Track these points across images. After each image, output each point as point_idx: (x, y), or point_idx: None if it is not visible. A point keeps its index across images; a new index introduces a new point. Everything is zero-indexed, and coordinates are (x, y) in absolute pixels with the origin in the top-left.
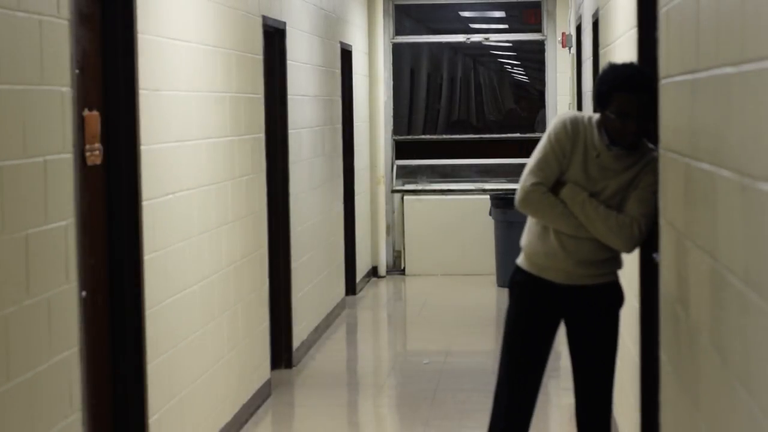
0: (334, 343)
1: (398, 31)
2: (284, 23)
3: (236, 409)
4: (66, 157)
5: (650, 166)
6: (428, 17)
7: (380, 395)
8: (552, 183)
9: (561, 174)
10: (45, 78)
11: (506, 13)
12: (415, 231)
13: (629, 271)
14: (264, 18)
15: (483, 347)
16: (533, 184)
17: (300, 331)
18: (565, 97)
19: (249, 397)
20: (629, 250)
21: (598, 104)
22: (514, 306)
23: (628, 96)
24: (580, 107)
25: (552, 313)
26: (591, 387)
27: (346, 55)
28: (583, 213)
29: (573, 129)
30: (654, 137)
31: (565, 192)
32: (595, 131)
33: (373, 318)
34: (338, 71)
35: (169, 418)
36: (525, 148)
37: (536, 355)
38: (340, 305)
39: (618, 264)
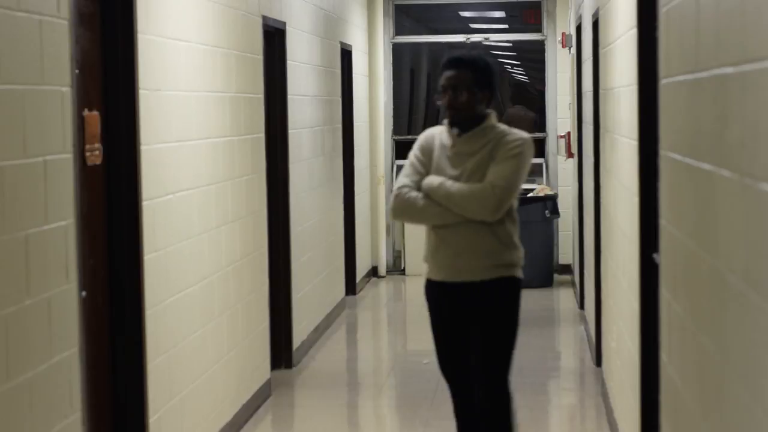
0: (334, 343)
1: (398, 31)
2: (284, 23)
3: (236, 409)
4: (66, 157)
5: (502, 140)
6: (428, 17)
7: (380, 395)
8: (418, 185)
9: (426, 174)
10: (45, 78)
11: (506, 13)
12: (415, 231)
13: (629, 270)
14: (264, 18)
15: None
16: (398, 187)
17: (300, 331)
18: (565, 97)
19: (249, 397)
20: (492, 213)
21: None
22: (429, 313)
23: (448, 72)
24: (580, 107)
25: (454, 313)
26: (487, 384)
27: (346, 55)
28: (441, 192)
29: (427, 137)
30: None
31: (424, 182)
32: (446, 130)
33: (373, 318)
34: (338, 71)
35: (169, 418)
36: None
37: (456, 352)
38: (340, 305)
39: (509, 256)
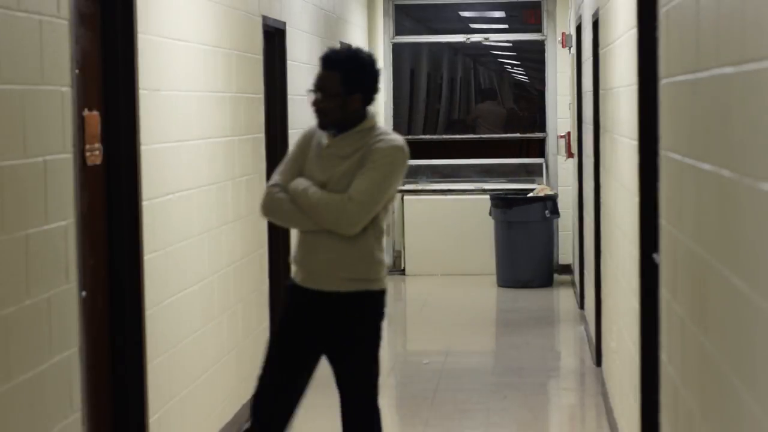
0: None
1: (398, 31)
2: (284, 23)
3: (236, 409)
4: (66, 157)
5: (373, 147)
6: (428, 17)
7: (380, 395)
8: (288, 181)
9: (300, 173)
10: (45, 78)
11: (506, 13)
12: (415, 231)
13: (629, 270)
14: (264, 18)
15: (483, 347)
16: (270, 186)
17: None
18: (565, 97)
19: (249, 397)
20: (347, 228)
21: None
22: (280, 311)
23: (318, 71)
24: (580, 107)
25: (305, 320)
26: (349, 397)
27: None
28: (302, 199)
29: (307, 132)
30: (341, 117)
31: (291, 185)
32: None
33: None
34: None
35: (169, 418)
36: (525, 148)
37: (288, 363)
38: None
39: (365, 270)
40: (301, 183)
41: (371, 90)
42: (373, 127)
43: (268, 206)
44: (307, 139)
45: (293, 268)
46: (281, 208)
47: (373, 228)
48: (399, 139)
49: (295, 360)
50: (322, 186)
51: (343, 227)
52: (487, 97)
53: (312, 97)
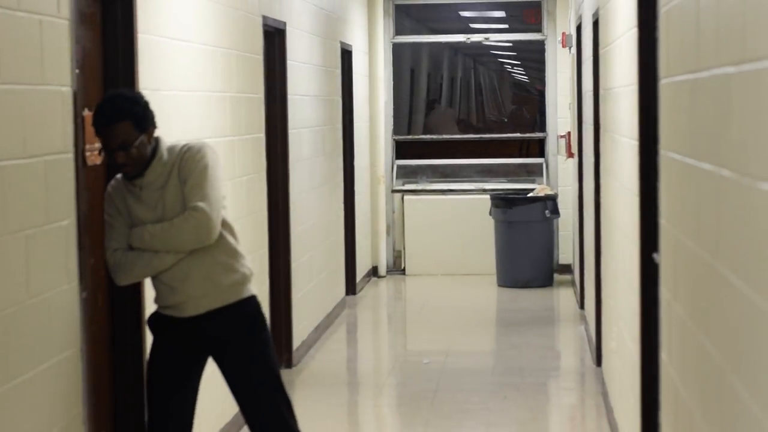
0: (334, 343)
1: (398, 31)
2: (284, 23)
3: (236, 410)
4: (66, 157)
5: (182, 158)
6: (428, 17)
7: (380, 395)
8: (126, 241)
9: (131, 227)
10: (45, 78)
11: (506, 13)
12: (415, 231)
13: (629, 270)
14: (264, 18)
15: (483, 347)
16: (111, 252)
17: (300, 331)
18: (565, 98)
19: None
20: (209, 237)
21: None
22: (152, 344)
23: (105, 131)
24: (580, 107)
25: (186, 349)
26: (254, 411)
27: (346, 55)
28: (152, 240)
29: (110, 193)
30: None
31: (132, 237)
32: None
33: (373, 318)
34: (338, 71)
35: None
36: (525, 148)
37: (167, 388)
38: (340, 305)
39: (232, 275)
40: (138, 230)
41: (152, 120)
42: (169, 147)
43: (123, 270)
44: (112, 198)
45: (159, 305)
46: (137, 263)
47: (224, 227)
48: (198, 141)
49: (182, 384)
50: (156, 220)
51: (204, 237)
52: (432, 105)
53: (114, 158)
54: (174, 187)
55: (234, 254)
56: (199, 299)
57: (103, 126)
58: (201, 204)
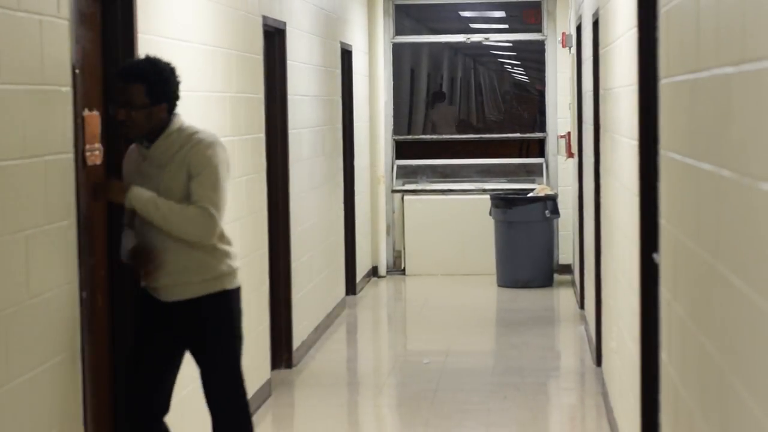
0: (334, 343)
1: (398, 31)
2: (284, 23)
3: None
4: (66, 157)
5: (192, 150)
6: (428, 17)
7: (380, 395)
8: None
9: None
10: (45, 78)
11: (506, 13)
12: (415, 231)
13: (629, 270)
14: (264, 18)
15: (483, 347)
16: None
17: (300, 331)
18: (565, 98)
19: (249, 397)
20: (211, 237)
21: None
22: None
23: (120, 84)
24: (580, 107)
25: (158, 329)
26: (215, 402)
27: (346, 55)
28: (157, 212)
29: (127, 156)
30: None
31: (137, 194)
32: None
33: (373, 318)
34: (338, 71)
35: (169, 418)
36: (525, 148)
37: (143, 364)
38: (340, 305)
39: (209, 270)
40: (152, 197)
41: (175, 98)
42: (180, 128)
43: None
44: (129, 157)
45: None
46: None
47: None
48: (210, 134)
49: (161, 365)
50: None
51: (204, 238)
52: (438, 100)
53: (117, 113)
54: (175, 172)
55: (213, 251)
56: (171, 288)
57: (119, 79)
58: (212, 209)
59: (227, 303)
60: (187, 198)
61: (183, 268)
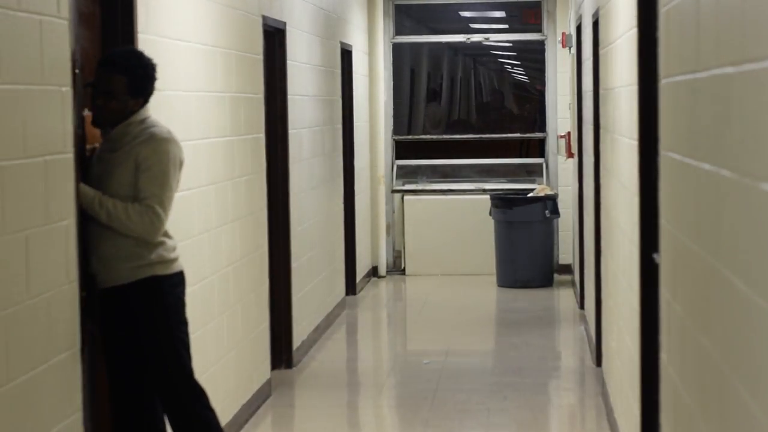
0: (334, 343)
1: (398, 31)
2: (284, 23)
3: (236, 409)
4: (66, 157)
5: (145, 142)
6: (428, 17)
7: (380, 395)
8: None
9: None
10: (45, 78)
11: (506, 13)
12: (415, 231)
13: (629, 270)
14: (264, 18)
15: (483, 347)
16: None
17: (300, 331)
18: (565, 97)
19: (249, 397)
20: (157, 235)
21: None
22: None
23: (102, 71)
24: (580, 107)
25: (109, 324)
26: (160, 390)
27: (346, 55)
28: (100, 211)
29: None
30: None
31: (83, 191)
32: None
33: (373, 318)
34: (338, 71)
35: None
36: (525, 148)
37: (116, 362)
38: (340, 305)
39: (138, 259)
40: (95, 195)
41: (151, 94)
42: (143, 120)
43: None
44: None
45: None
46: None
47: None
48: (166, 130)
49: (123, 364)
50: (99, 180)
51: (149, 237)
52: (430, 99)
53: (96, 98)
54: (123, 159)
55: (144, 245)
56: (101, 274)
57: (103, 67)
58: (158, 208)
59: (159, 287)
60: (131, 188)
61: (111, 256)
